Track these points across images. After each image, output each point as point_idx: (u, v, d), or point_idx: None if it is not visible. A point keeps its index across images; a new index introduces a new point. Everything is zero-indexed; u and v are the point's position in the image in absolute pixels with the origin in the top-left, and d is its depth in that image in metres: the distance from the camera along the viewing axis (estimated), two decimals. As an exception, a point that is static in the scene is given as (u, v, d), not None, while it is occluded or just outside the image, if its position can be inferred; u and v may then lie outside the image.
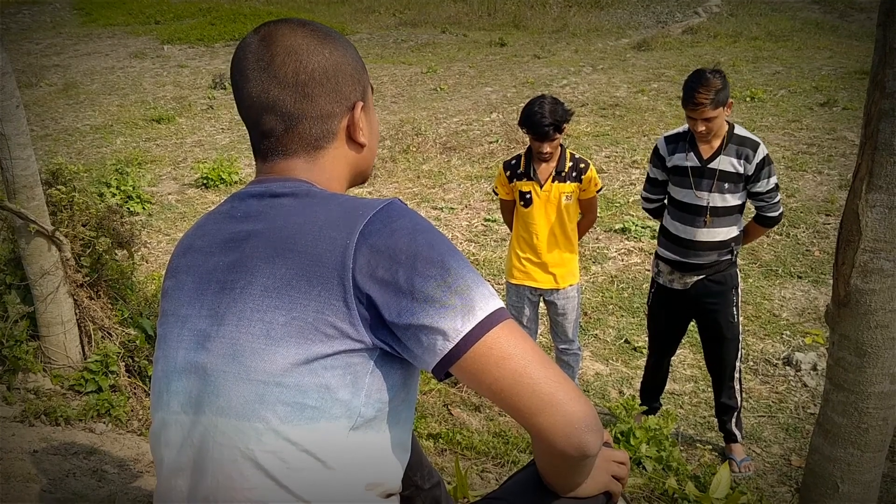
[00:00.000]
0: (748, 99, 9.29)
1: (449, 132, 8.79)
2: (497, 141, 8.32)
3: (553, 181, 3.52)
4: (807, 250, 5.57)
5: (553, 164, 3.53)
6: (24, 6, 18.24)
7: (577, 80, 11.09)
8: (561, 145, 3.54)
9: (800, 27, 14.30)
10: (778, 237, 5.75)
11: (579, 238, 3.72)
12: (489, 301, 1.07)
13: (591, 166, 3.60)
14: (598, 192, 3.65)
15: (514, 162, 3.64)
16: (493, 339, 1.05)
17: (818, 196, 6.42)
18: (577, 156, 3.61)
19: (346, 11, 18.79)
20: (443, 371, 1.08)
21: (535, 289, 3.66)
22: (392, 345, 1.08)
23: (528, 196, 3.56)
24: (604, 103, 9.60)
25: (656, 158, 3.40)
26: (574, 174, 3.54)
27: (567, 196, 3.54)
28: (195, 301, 1.18)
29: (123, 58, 13.94)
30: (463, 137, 8.56)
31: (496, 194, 3.79)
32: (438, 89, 11.05)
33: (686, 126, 3.27)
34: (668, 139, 3.36)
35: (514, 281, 3.70)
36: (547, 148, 3.44)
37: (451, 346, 1.05)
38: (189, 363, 1.15)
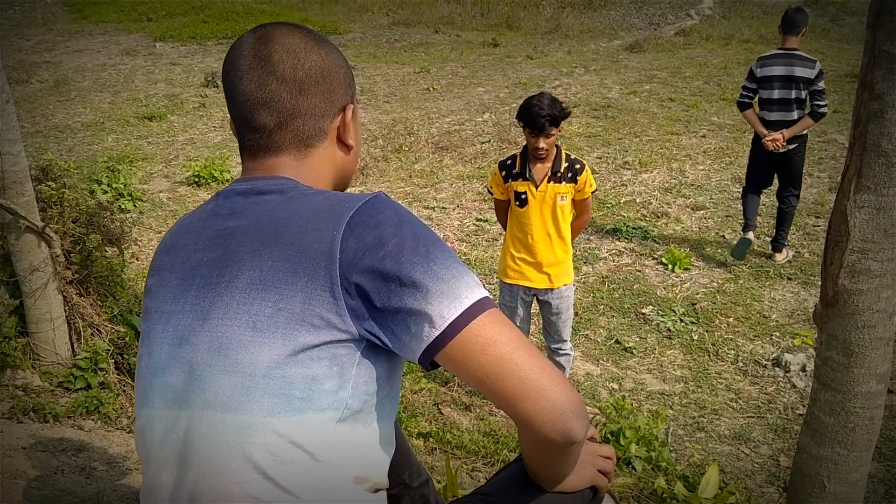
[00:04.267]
0: (740, 101, 9.31)
1: (441, 132, 8.80)
2: (489, 141, 8.33)
3: (548, 182, 3.50)
4: (797, 252, 5.59)
5: (548, 164, 3.50)
6: (15, 3, 18.16)
7: (570, 81, 11.11)
8: (557, 146, 3.53)
9: (791, 30, 14.33)
10: (768, 239, 5.78)
11: (573, 238, 3.72)
12: (474, 290, 1.09)
13: (587, 167, 3.58)
14: (592, 193, 3.63)
15: (509, 162, 3.62)
16: (478, 327, 1.07)
17: (808, 198, 6.46)
18: (572, 156, 3.59)
19: (340, 10, 18.78)
20: (429, 359, 1.08)
21: (529, 288, 3.65)
22: (379, 335, 1.09)
23: (523, 196, 3.54)
24: (596, 104, 9.62)
25: None
26: (570, 175, 3.52)
27: (562, 196, 3.52)
28: (179, 297, 1.18)
29: (115, 55, 13.89)
30: (455, 137, 8.57)
31: (491, 193, 3.78)
32: (431, 89, 11.06)
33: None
34: None
35: (508, 280, 3.69)
36: (542, 143, 3.40)
37: (437, 332, 1.06)
38: (173, 358, 1.15)
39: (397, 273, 1.06)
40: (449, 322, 1.05)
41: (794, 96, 5.13)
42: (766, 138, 5.20)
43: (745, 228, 5.48)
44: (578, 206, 3.65)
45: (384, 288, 1.06)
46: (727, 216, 6.20)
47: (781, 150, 5.20)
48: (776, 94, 5.19)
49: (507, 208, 3.70)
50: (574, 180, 3.53)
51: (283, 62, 1.22)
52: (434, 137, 8.57)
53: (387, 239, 1.07)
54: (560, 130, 3.49)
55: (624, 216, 6.27)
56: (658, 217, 6.27)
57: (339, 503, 1.10)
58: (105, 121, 9.54)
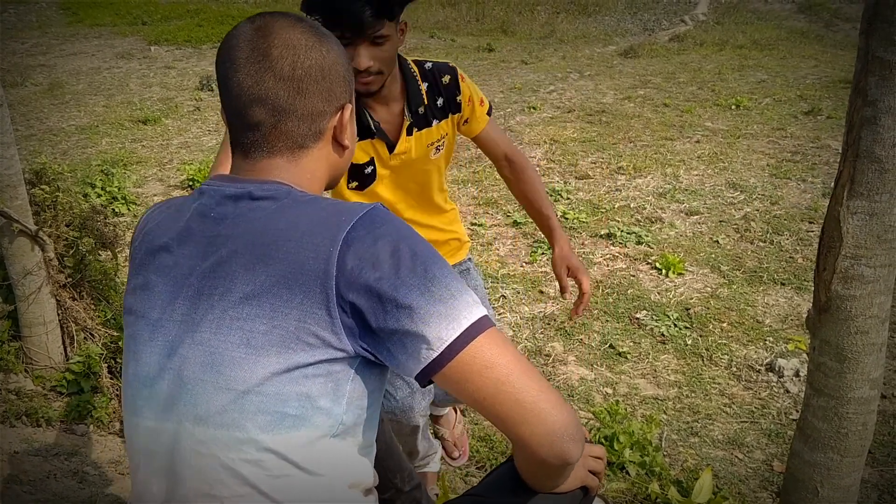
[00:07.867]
0: (733, 107, 9.35)
1: (436, 136, 8.79)
2: (484, 146, 8.33)
3: (410, 132, 1.98)
4: (790, 257, 5.61)
5: (398, 100, 1.96)
6: (9, 5, 18.12)
7: (564, 86, 11.13)
8: (400, 56, 1.91)
9: (785, 36, 14.42)
10: (762, 244, 5.79)
11: (540, 210, 2.27)
12: (473, 309, 1.07)
13: (459, 71, 2.05)
14: (488, 113, 2.11)
15: None
16: (476, 348, 1.05)
17: (802, 204, 6.47)
18: (427, 63, 2.00)
19: (335, 15, 18.74)
20: (426, 379, 1.08)
21: None
22: (375, 352, 1.08)
23: (368, 171, 1.99)
24: (590, 109, 9.64)
25: None
26: (440, 102, 2.00)
27: (438, 147, 2.04)
28: (167, 305, 1.16)
29: (110, 58, 13.86)
30: (450, 142, 8.56)
31: None
32: (426, 93, 11.05)
33: None
34: None
35: None
36: (364, 56, 1.77)
37: (434, 354, 1.04)
38: (163, 369, 1.13)
39: (394, 295, 1.04)
40: (447, 344, 1.04)
41: None
42: None
43: None
44: (484, 144, 2.16)
45: (380, 308, 1.04)
46: (721, 221, 6.21)
47: None
48: None
49: None
50: (455, 107, 2.02)
51: (282, 58, 1.18)
52: (429, 142, 8.57)
53: (384, 257, 1.06)
54: (404, 29, 1.84)
55: (618, 221, 6.27)
56: (652, 222, 6.28)
57: None
58: (99, 124, 9.51)
